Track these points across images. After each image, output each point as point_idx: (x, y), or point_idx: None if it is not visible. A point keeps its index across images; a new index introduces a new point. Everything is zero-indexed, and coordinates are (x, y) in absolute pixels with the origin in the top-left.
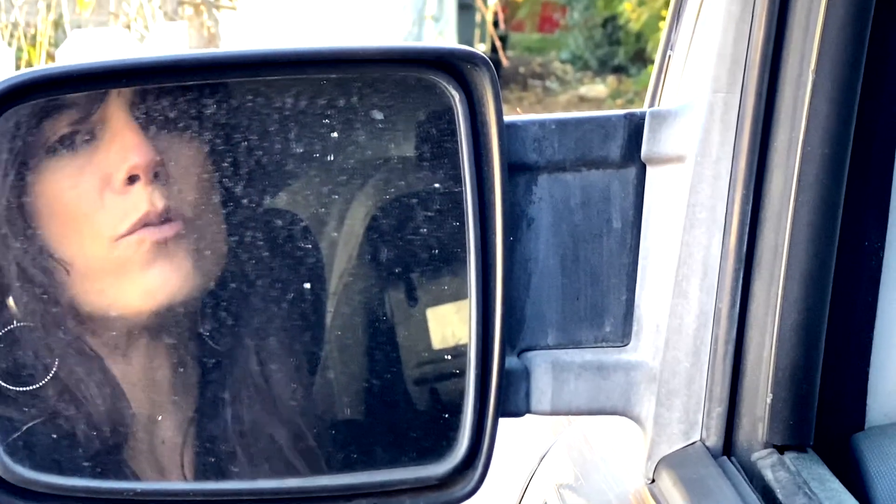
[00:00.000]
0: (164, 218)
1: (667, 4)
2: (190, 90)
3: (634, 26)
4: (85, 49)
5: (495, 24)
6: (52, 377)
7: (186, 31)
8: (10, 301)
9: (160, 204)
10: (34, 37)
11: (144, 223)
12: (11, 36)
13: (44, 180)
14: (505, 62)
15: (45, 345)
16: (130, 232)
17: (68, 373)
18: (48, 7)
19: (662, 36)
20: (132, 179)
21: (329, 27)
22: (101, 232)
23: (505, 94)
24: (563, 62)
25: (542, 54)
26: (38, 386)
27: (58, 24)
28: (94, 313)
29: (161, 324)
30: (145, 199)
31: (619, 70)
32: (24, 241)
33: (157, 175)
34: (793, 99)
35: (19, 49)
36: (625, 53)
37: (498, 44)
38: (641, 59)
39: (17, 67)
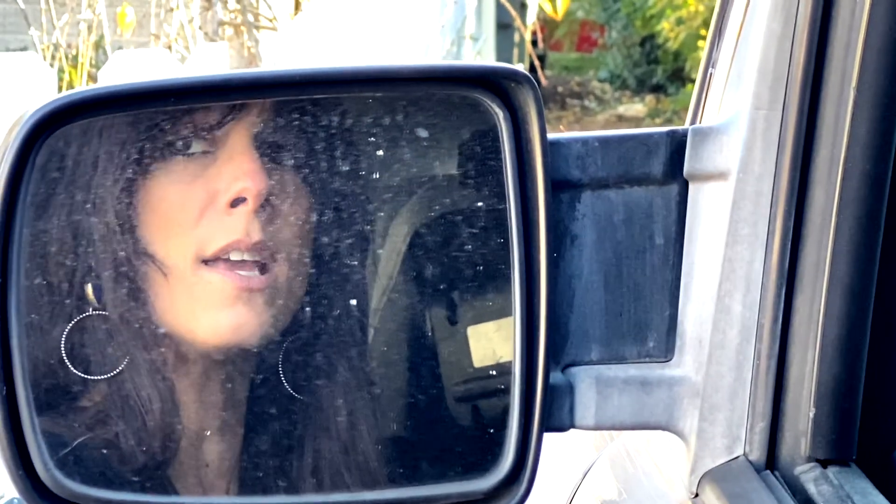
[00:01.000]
0: (255, 256)
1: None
2: (310, 123)
3: (673, 45)
4: (127, 70)
5: (534, 43)
6: (117, 374)
7: (227, 51)
8: (89, 289)
9: (255, 236)
10: (76, 57)
11: (231, 249)
12: (53, 57)
13: (156, 184)
14: (543, 81)
15: (117, 340)
16: (216, 256)
17: (133, 374)
18: (89, 28)
19: (704, 53)
20: (236, 203)
21: (368, 47)
22: (190, 248)
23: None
24: (601, 81)
25: (580, 73)
26: (102, 378)
27: (98, 45)
28: (167, 326)
29: (223, 359)
30: (242, 226)
31: (657, 89)
32: (126, 236)
33: (264, 207)
34: (834, 116)
35: (61, 70)
36: (663, 72)
37: (536, 63)
38: (680, 77)
39: (59, 89)
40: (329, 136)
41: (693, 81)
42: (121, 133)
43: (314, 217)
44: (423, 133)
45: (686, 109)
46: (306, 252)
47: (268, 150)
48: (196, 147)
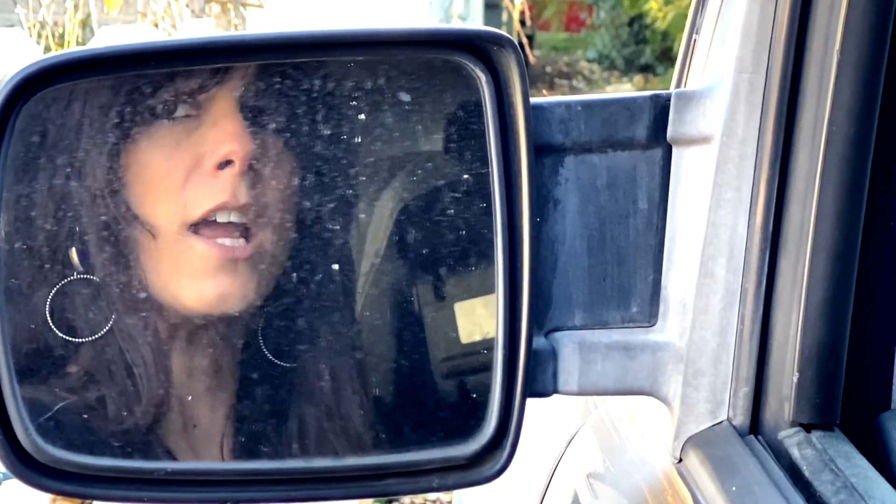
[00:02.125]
0: (241, 217)
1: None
2: (295, 87)
3: (661, 25)
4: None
5: (522, 22)
6: (104, 334)
7: (213, 28)
8: (73, 253)
9: (242, 199)
10: (62, 36)
11: (219, 210)
12: (39, 35)
13: (140, 146)
14: (532, 61)
15: (104, 303)
16: (203, 217)
17: (121, 334)
18: (76, 6)
19: (688, 18)
20: (223, 165)
21: (355, 24)
22: (177, 212)
23: (531, 92)
24: (589, 61)
25: (568, 53)
26: (88, 340)
27: (85, 24)
28: (153, 290)
29: (208, 324)
30: (229, 188)
31: (645, 69)
32: (114, 200)
33: (249, 171)
34: (818, 78)
35: (47, 48)
36: (651, 52)
37: (525, 42)
38: (668, 57)
39: None
40: (311, 100)
41: None
42: (104, 97)
43: (297, 181)
44: (405, 97)
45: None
46: (290, 216)
47: (252, 114)
48: (180, 111)
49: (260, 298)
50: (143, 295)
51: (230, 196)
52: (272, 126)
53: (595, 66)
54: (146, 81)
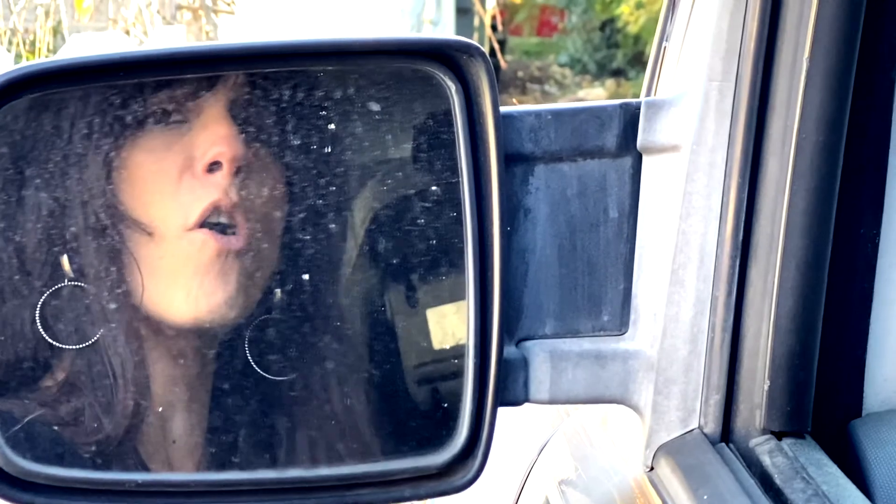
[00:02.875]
0: (232, 219)
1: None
2: (286, 87)
3: (633, 29)
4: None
5: (493, 27)
6: (94, 343)
7: (185, 35)
8: (64, 260)
9: (234, 197)
10: (33, 43)
11: (212, 208)
12: (10, 42)
13: (133, 152)
14: (503, 66)
15: (92, 310)
16: (200, 219)
17: (109, 342)
18: (47, 13)
19: (658, 26)
20: (213, 168)
21: (326, 32)
22: (172, 215)
23: (503, 98)
24: (561, 66)
25: (540, 58)
26: (79, 347)
27: (56, 31)
28: (145, 292)
29: (196, 332)
30: (221, 188)
31: (617, 73)
32: (108, 204)
33: (238, 173)
34: (787, 87)
35: (18, 55)
36: (623, 56)
37: (496, 47)
38: (640, 62)
39: None
40: (280, 110)
41: None
42: (94, 105)
43: (275, 189)
44: (375, 107)
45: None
46: (277, 223)
47: (242, 120)
48: (172, 116)
49: (250, 304)
50: (135, 300)
51: (222, 194)
52: (259, 133)
53: (567, 71)
54: (137, 89)
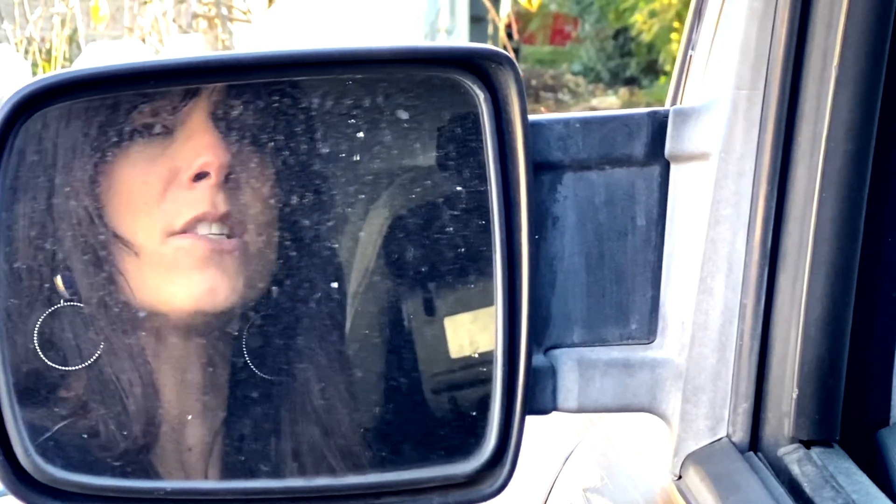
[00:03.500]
0: (222, 227)
1: (678, 16)
2: (272, 97)
3: (646, 38)
4: (102, 61)
5: (509, 35)
6: (94, 361)
7: (201, 44)
8: (58, 280)
9: (221, 208)
10: (49, 51)
11: (199, 221)
12: (26, 52)
13: (118, 166)
14: None
15: (93, 327)
16: (184, 230)
17: (112, 359)
18: (63, 22)
19: (683, 34)
20: (200, 177)
21: (341, 41)
22: (158, 225)
23: None
24: (574, 74)
25: (553, 66)
26: (79, 367)
27: (72, 39)
28: (143, 304)
29: (201, 326)
30: (207, 198)
31: (630, 82)
32: (93, 220)
33: (227, 180)
34: (816, 95)
35: (34, 64)
36: (636, 65)
37: (511, 56)
38: (653, 70)
39: None
40: (309, 118)
41: (667, 74)
42: (79, 120)
43: (281, 191)
44: (403, 115)
45: (660, 102)
46: (275, 225)
47: (227, 127)
48: (155, 128)
49: (249, 300)
50: (134, 314)
51: (209, 206)
52: (249, 139)
53: (580, 79)
54: (123, 103)
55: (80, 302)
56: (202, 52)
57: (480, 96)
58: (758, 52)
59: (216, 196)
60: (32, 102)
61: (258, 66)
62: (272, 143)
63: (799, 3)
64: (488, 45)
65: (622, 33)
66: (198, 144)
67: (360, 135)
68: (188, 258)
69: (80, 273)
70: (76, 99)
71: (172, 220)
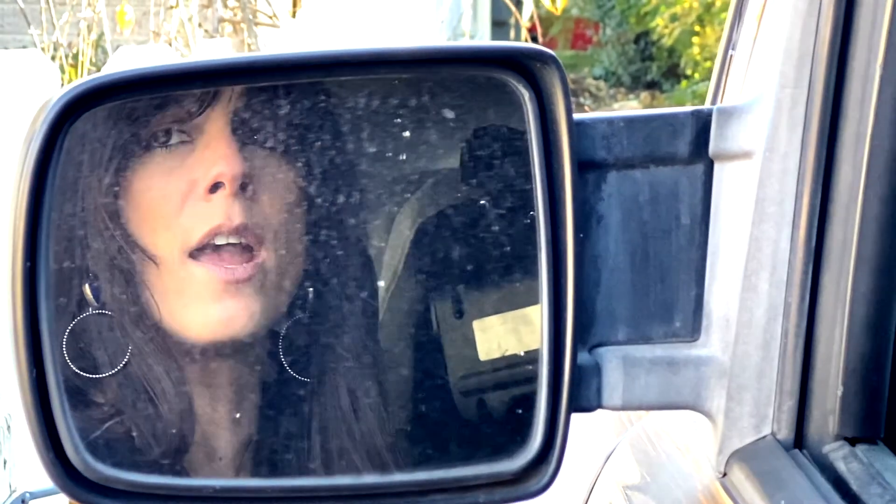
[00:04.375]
0: (240, 239)
1: (699, 20)
2: (291, 105)
3: (667, 42)
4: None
5: (534, 39)
6: (123, 368)
7: (228, 48)
8: (87, 289)
9: (236, 220)
10: (76, 56)
11: (215, 234)
12: (53, 57)
13: (138, 175)
14: None
15: (120, 336)
16: (201, 243)
17: (144, 367)
18: (89, 27)
19: (724, 34)
20: (214, 188)
21: (367, 44)
22: (177, 240)
23: None
24: (596, 78)
25: (575, 71)
26: (111, 374)
27: (98, 44)
28: (164, 318)
29: (222, 350)
30: (222, 210)
31: (652, 86)
32: (115, 229)
33: (244, 189)
34: (860, 93)
35: (61, 69)
36: (658, 69)
37: None
38: (674, 74)
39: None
40: (355, 119)
41: (688, 78)
42: (101, 129)
43: (304, 197)
44: (449, 114)
45: (681, 106)
46: (298, 232)
47: (246, 134)
48: (175, 138)
49: (273, 320)
50: (154, 325)
51: (224, 218)
52: (269, 144)
53: (601, 83)
54: (142, 111)
55: (107, 309)
56: (254, 52)
57: (525, 95)
58: (802, 50)
59: (231, 207)
60: (82, 103)
61: (307, 65)
62: (318, 154)
63: (843, 2)
64: (533, 45)
65: (643, 37)
66: (213, 154)
67: (407, 134)
68: (203, 289)
69: (105, 281)
70: (125, 99)
71: (189, 236)
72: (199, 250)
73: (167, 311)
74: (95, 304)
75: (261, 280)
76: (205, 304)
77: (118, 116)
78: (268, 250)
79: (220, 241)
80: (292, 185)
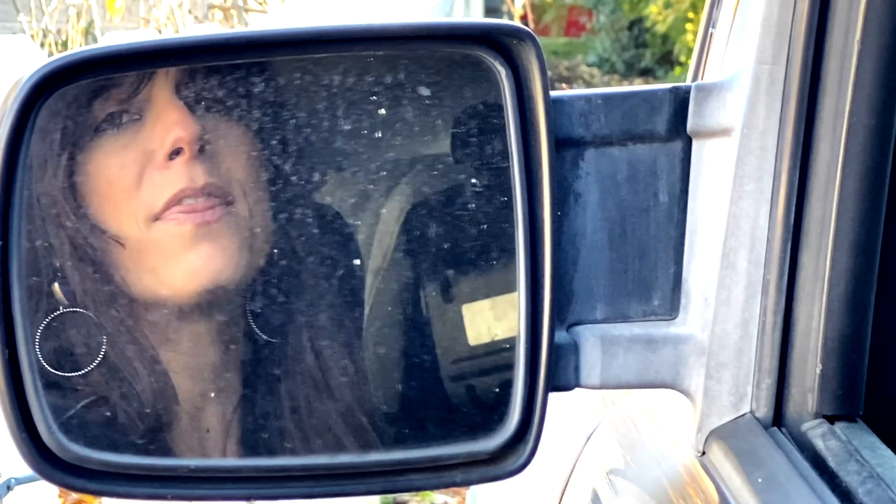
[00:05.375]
0: (208, 198)
1: (693, 7)
2: (237, 69)
3: (661, 28)
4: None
5: (527, 26)
6: (101, 360)
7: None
8: (56, 287)
9: (200, 181)
10: (65, 43)
11: (180, 199)
12: (42, 44)
13: (92, 159)
14: None
15: (94, 327)
16: (165, 209)
17: (118, 353)
18: (78, 14)
19: (704, 13)
20: (174, 154)
21: (343, 21)
22: (140, 211)
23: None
24: (589, 66)
25: (568, 58)
26: (86, 371)
27: (88, 31)
28: (144, 293)
29: (207, 304)
30: (184, 174)
31: (646, 73)
32: (77, 219)
33: (203, 150)
34: (839, 69)
35: (50, 55)
36: (651, 56)
37: None
38: (668, 61)
39: None
40: (331, 96)
41: (682, 65)
42: (54, 117)
43: (305, 181)
44: (425, 91)
45: None
46: (264, 185)
47: (194, 99)
48: (124, 118)
49: (250, 264)
50: (130, 304)
51: (188, 181)
52: (293, 122)
53: (595, 71)
54: (87, 96)
55: (79, 306)
56: (228, 30)
57: (502, 72)
58: (780, 26)
59: (193, 170)
60: (53, 80)
61: (282, 42)
62: (294, 131)
63: None
64: (509, 22)
65: (637, 24)
66: (166, 122)
67: (382, 112)
68: (176, 239)
69: (71, 270)
70: (97, 77)
71: (153, 203)
72: (164, 212)
73: (143, 281)
74: (66, 302)
75: (234, 223)
76: (183, 253)
77: (70, 101)
78: (239, 203)
79: (188, 202)
80: (248, 139)
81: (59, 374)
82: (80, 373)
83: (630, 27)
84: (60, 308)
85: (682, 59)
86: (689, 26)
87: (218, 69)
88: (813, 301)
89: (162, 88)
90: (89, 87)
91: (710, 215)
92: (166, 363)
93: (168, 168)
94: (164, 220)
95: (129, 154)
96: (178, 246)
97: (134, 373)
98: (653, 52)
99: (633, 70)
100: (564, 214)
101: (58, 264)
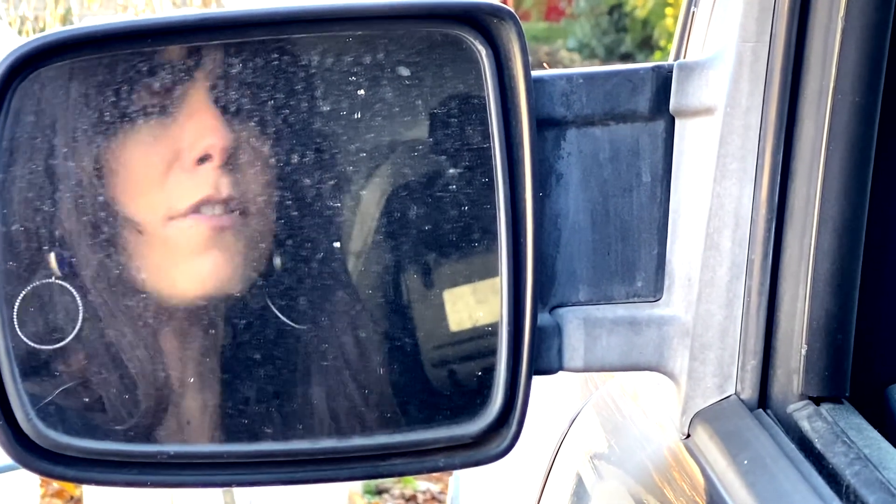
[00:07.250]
0: (225, 209)
1: None
2: (269, 76)
3: (641, 13)
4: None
5: None
6: (80, 339)
7: None
8: (52, 257)
9: (224, 192)
10: (42, 30)
11: (202, 204)
12: (20, 31)
13: (119, 145)
14: None
15: (86, 302)
16: (186, 213)
17: (99, 336)
18: (56, 1)
19: None
20: (203, 160)
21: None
22: (161, 207)
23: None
24: (569, 51)
25: (548, 43)
26: (64, 343)
27: (66, 18)
28: (142, 284)
29: (203, 308)
30: (211, 182)
31: (626, 57)
32: (97, 198)
33: (229, 162)
34: (822, 47)
35: None
36: (632, 40)
37: None
38: (648, 45)
39: None
40: (309, 77)
41: (662, 49)
42: (77, 82)
43: (284, 162)
44: (405, 71)
45: None
46: (277, 198)
47: (227, 103)
48: (157, 109)
49: (255, 275)
50: (135, 288)
51: (212, 190)
52: (250, 112)
53: (575, 56)
54: (120, 83)
55: (76, 275)
56: (200, 10)
57: (482, 52)
58: (763, 3)
59: (219, 179)
60: (29, 62)
61: (258, 22)
62: (273, 114)
63: None
64: (489, 1)
65: (617, 9)
66: (199, 125)
67: (361, 92)
68: (191, 242)
69: (78, 235)
70: (73, 59)
71: (175, 203)
72: (185, 215)
73: (151, 273)
74: (59, 273)
75: (244, 235)
76: (193, 257)
77: (91, 72)
78: (249, 214)
79: (207, 211)
80: (274, 155)
81: (38, 346)
82: (58, 345)
83: (610, 12)
84: (52, 278)
85: (662, 43)
86: (668, 11)
87: (251, 69)
88: (798, 281)
89: (198, 89)
90: (122, 74)
91: (693, 195)
92: (146, 348)
93: (195, 172)
94: (181, 220)
95: (157, 148)
96: (190, 248)
97: (114, 358)
98: (633, 36)
99: (613, 55)
100: (546, 195)
101: (61, 236)
